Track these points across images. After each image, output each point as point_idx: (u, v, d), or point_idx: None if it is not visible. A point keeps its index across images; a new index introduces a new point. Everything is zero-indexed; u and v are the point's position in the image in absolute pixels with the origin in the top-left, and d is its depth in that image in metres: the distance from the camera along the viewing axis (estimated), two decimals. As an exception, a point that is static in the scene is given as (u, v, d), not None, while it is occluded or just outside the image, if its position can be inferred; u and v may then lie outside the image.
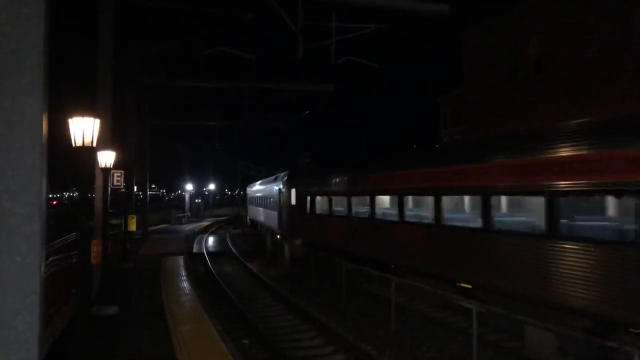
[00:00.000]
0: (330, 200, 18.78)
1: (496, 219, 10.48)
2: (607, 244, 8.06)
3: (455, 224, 11.77)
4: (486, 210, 10.39)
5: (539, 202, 9.27)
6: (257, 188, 37.52)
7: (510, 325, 10.29)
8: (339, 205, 18.11)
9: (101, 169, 12.93)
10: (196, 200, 67.88)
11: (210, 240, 37.36)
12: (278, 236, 25.21)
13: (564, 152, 8.80)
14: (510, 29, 22.41)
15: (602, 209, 9.40)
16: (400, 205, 13.82)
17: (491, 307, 9.55)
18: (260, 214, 34.33)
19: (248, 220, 43.52)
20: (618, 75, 17.10)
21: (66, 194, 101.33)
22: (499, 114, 22.49)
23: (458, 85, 32.02)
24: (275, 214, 26.42)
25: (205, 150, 48.88)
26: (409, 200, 14.20)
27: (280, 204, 25.09)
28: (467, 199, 12.86)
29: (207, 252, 27.53)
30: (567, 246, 8.60)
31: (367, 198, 15.73)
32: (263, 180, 35.86)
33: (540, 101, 20.26)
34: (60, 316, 10.28)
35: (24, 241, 1.53)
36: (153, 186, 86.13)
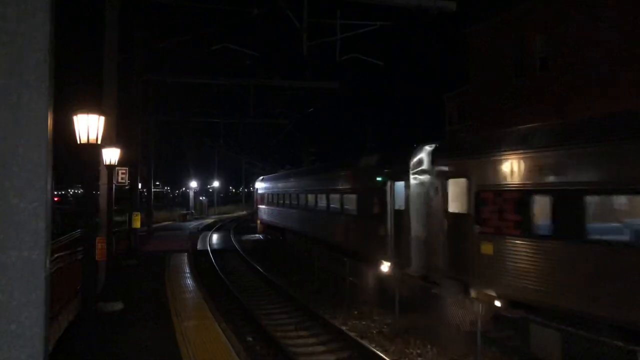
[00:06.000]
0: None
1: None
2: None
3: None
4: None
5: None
6: None
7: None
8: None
9: (106, 166, 12.93)
10: (200, 198, 67.70)
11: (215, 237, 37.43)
12: None
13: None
14: (516, 26, 22.28)
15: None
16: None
17: (497, 305, 9.54)
18: None
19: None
20: (624, 74, 16.98)
21: (71, 191, 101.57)
22: (503, 112, 22.38)
23: (463, 82, 31.92)
24: None
25: (209, 147, 48.63)
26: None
27: None
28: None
29: (211, 249, 27.58)
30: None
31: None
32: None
33: (545, 99, 20.14)
34: (66, 312, 10.33)
35: (30, 237, 1.53)
36: (157, 183, 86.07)
